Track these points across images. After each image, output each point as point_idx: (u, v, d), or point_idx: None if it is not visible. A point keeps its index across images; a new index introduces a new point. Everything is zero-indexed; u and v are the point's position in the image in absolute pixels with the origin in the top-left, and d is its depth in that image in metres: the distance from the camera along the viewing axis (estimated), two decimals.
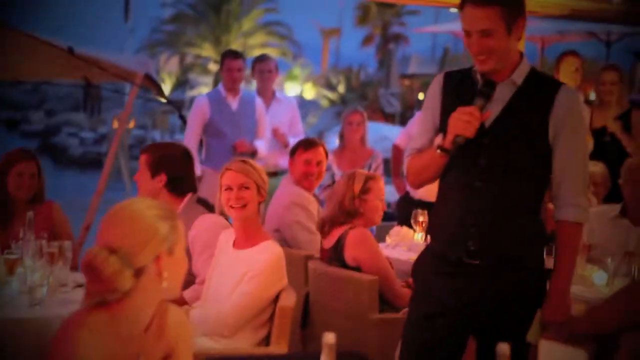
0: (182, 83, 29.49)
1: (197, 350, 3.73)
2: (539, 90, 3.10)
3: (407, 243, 5.37)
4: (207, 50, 28.68)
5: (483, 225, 3.09)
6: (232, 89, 6.93)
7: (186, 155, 4.49)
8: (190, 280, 4.13)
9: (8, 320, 3.53)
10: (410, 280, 3.98)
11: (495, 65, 3.01)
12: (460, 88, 3.15)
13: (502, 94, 3.07)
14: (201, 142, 6.99)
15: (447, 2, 7.12)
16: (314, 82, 30.31)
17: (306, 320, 4.61)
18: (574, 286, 4.46)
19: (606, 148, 6.15)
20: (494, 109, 3.07)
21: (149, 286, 2.29)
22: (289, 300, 3.79)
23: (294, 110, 7.48)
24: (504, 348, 2.18)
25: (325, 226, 4.48)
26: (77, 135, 26.66)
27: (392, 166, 7.24)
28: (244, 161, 4.01)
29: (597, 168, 5.68)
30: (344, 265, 4.38)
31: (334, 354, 2.10)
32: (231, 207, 3.88)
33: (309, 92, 29.98)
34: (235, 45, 28.98)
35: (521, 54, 3.13)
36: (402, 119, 22.30)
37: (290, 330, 4.61)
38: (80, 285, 3.90)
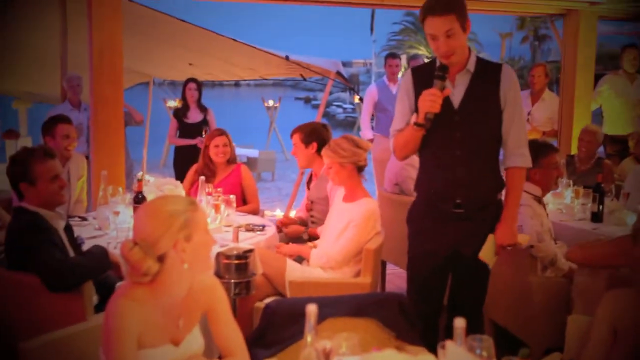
0: None
1: (310, 277, 2.99)
2: (487, 72, 2.42)
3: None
4: (422, 51, 27.10)
5: (464, 183, 2.39)
6: (392, 79, 6.04)
7: (325, 127, 3.68)
8: None
9: None
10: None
11: (457, 59, 2.36)
12: (427, 76, 2.39)
13: (463, 81, 2.41)
14: (373, 115, 6.09)
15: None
16: None
17: None
18: (612, 226, 3.32)
19: None
20: (459, 93, 2.40)
21: (174, 267, 1.61)
22: (374, 244, 2.92)
23: None
24: (460, 322, 1.37)
25: None
26: (341, 106, 26.51)
27: None
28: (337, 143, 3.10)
29: None
30: None
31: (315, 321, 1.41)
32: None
33: None
34: None
35: (469, 49, 2.42)
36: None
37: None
38: (241, 226, 3.23)
